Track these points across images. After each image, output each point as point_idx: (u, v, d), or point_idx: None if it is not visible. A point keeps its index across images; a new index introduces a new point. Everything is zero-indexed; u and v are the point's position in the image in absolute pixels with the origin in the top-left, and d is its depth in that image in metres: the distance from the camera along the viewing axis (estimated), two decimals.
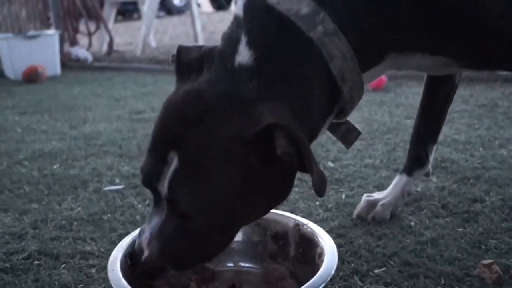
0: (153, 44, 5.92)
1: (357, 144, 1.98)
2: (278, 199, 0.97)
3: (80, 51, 5.17)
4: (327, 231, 1.33)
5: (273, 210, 1.17)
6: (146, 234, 0.94)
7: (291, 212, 1.44)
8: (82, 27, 5.50)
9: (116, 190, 1.68)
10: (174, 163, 0.88)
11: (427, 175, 1.47)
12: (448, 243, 1.26)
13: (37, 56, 4.40)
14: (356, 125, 1.18)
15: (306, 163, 0.85)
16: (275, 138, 0.86)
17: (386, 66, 1.04)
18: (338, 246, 1.25)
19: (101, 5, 5.65)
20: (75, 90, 3.69)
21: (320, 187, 0.87)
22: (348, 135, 1.15)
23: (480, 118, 2.31)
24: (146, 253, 0.93)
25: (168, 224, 0.92)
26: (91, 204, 1.58)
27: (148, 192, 1.60)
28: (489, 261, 1.13)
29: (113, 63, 4.93)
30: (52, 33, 4.74)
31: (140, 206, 1.55)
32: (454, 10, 0.93)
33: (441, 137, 1.48)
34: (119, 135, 2.33)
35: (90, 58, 5.13)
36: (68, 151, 2.12)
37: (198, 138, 0.87)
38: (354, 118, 2.27)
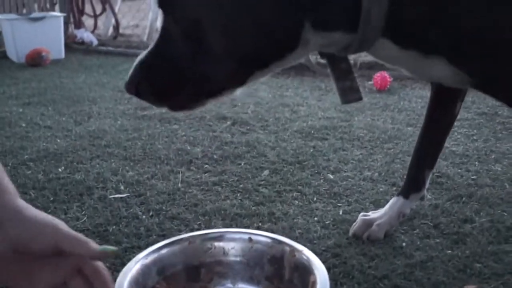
0: None
1: (358, 153, 2.04)
2: (274, 43, 0.88)
3: (85, 34, 5.14)
4: (323, 251, 1.40)
5: (270, 235, 1.23)
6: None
7: (290, 227, 1.51)
8: (87, 8, 5.47)
9: (121, 198, 1.72)
10: None
11: (422, 198, 1.52)
12: (436, 265, 1.32)
13: (41, 38, 4.31)
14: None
15: None
16: None
17: (410, 65, 1.02)
18: (333, 266, 1.32)
19: None
20: (79, 78, 3.71)
21: None
22: (349, 92, 1.09)
23: (480, 128, 2.36)
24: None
25: (163, 33, 0.88)
26: (97, 213, 1.62)
27: (152, 202, 1.66)
28: (473, 286, 1.19)
29: (118, 48, 4.89)
30: (58, 15, 4.65)
31: (144, 217, 1.59)
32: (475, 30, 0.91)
33: None
34: (124, 135, 2.35)
35: (95, 41, 5.11)
36: (73, 152, 2.15)
37: None
38: (356, 123, 2.33)
